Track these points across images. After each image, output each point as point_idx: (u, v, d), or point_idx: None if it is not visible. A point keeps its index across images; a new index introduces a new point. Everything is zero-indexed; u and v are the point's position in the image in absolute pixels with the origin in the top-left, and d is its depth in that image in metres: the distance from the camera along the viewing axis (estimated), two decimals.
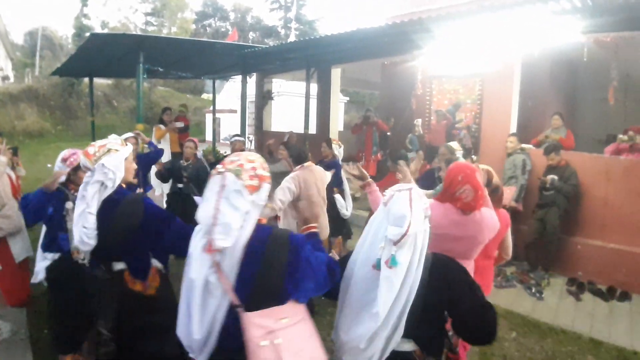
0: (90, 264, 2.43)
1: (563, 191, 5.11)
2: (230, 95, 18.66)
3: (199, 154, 5.65)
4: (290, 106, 14.83)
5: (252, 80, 10.50)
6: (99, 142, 2.35)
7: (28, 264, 3.98)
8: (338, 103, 10.45)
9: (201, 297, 1.47)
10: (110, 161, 2.24)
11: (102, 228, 2.18)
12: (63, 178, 2.85)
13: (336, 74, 9.62)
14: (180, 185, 5.32)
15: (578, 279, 5.07)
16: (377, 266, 1.57)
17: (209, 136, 18.31)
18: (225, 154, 6.15)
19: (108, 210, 2.20)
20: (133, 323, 2.25)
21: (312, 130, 8.90)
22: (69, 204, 2.78)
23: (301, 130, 8.39)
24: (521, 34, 4.90)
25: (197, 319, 1.47)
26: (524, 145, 5.83)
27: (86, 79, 10.74)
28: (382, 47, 6.62)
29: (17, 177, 4.68)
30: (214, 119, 11.14)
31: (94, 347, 2.68)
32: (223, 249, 1.44)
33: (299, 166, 4.06)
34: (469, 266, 2.35)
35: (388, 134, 9.01)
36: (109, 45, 6.26)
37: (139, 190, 4.40)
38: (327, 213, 4.16)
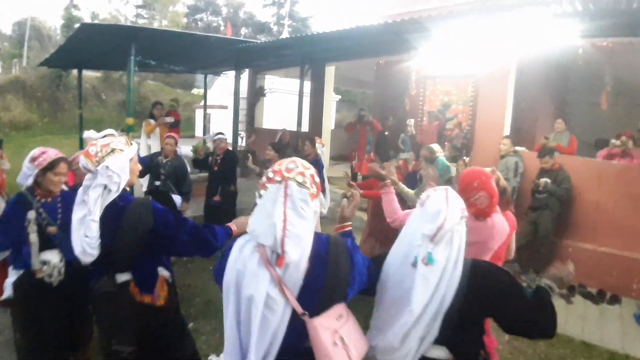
0: (92, 276, 2.21)
1: (556, 194, 5.13)
2: (221, 91, 18.45)
3: (179, 150, 5.52)
4: (282, 103, 14.72)
5: (244, 77, 10.38)
6: (101, 141, 2.11)
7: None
8: (331, 101, 10.41)
9: (261, 316, 1.37)
10: (115, 163, 2.04)
11: (106, 237, 2.00)
12: (30, 181, 2.52)
13: (330, 71, 9.58)
14: (157, 183, 5.18)
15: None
16: (414, 263, 1.58)
17: (198, 132, 18.10)
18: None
19: (112, 217, 2.03)
20: (152, 337, 2.14)
21: (305, 128, 8.84)
22: (30, 214, 2.46)
23: (293, 128, 8.33)
24: (519, 36, 4.89)
25: (255, 340, 1.37)
26: (517, 148, 5.85)
27: (75, 71, 10.48)
28: (378, 46, 6.58)
29: (1, 170, 4.52)
30: (205, 115, 10.96)
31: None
32: (293, 262, 1.37)
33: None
34: None
35: (386, 133, 8.98)
36: (100, 35, 6.10)
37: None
38: None
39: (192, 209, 5.92)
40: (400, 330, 1.56)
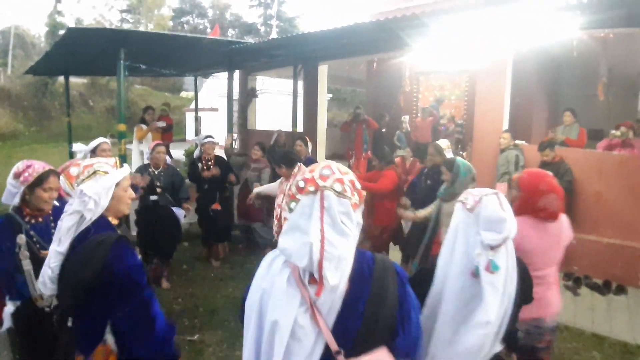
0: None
1: None
2: (210, 93, 18.25)
3: (169, 159, 5.23)
4: (275, 104, 14.60)
5: (235, 78, 10.25)
6: (86, 161, 1.82)
7: None
8: (325, 101, 10.32)
9: (286, 346, 1.12)
10: (93, 187, 1.72)
11: (62, 273, 1.72)
12: (16, 200, 2.25)
13: (323, 71, 9.49)
14: (153, 198, 4.67)
15: (575, 273, 5.08)
16: (475, 273, 1.54)
17: (189, 135, 17.89)
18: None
19: (74, 250, 1.73)
20: None
21: (300, 128, 8.75)
22: (20, 238, 2.17)
23: (288, 128, 8.23)
24: (517, 29, 4.85)
25: None
26: (517, 142, 5.83)
27: (61, 78, 10.34)
28: (371, 44, 6.51)
29: None
30: (197, 118, 10.81)
31: None
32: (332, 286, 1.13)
33: (296, 168, 3.87)
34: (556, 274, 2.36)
35: (383, 130, 8.91)
36: (87, 40, 5.93)
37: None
38: None
39: (189, 217, 5.66)
40: (477, 342, 1.50)
